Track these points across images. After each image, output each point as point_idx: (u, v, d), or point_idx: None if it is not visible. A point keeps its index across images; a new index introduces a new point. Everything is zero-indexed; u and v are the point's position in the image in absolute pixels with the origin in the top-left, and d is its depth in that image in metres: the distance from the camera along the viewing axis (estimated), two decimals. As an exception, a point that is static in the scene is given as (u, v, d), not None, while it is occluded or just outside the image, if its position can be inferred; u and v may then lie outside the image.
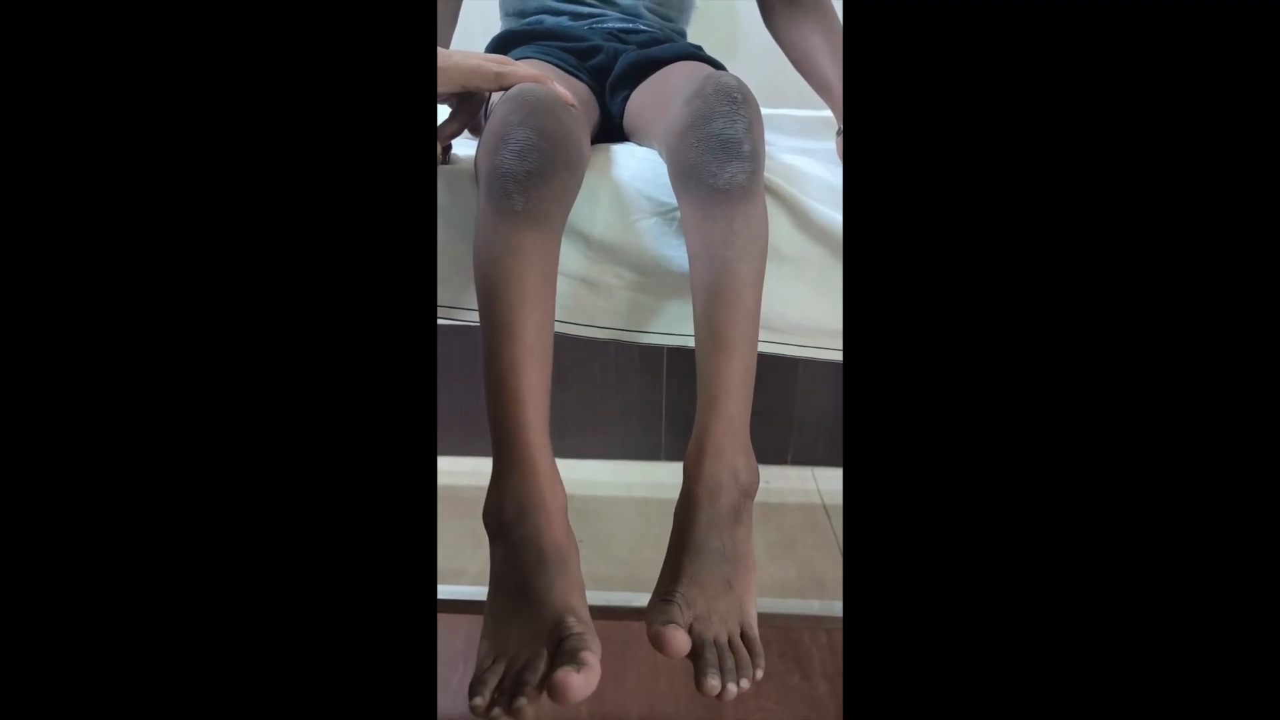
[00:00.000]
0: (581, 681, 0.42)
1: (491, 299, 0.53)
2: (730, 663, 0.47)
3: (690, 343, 0.68)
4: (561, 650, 0.45)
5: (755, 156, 0.55)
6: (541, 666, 0.45)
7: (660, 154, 0.63)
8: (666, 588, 0.50)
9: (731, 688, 0.46)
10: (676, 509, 0.54)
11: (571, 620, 0.47)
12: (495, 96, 0.60)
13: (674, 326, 0.68)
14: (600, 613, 0.90)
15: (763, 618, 0.92)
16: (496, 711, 0.43)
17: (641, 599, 0.94)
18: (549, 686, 0.43)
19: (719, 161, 0.54)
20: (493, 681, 0.45)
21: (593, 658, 0.44)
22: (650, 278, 0.66)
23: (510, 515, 0.51)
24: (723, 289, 0.54)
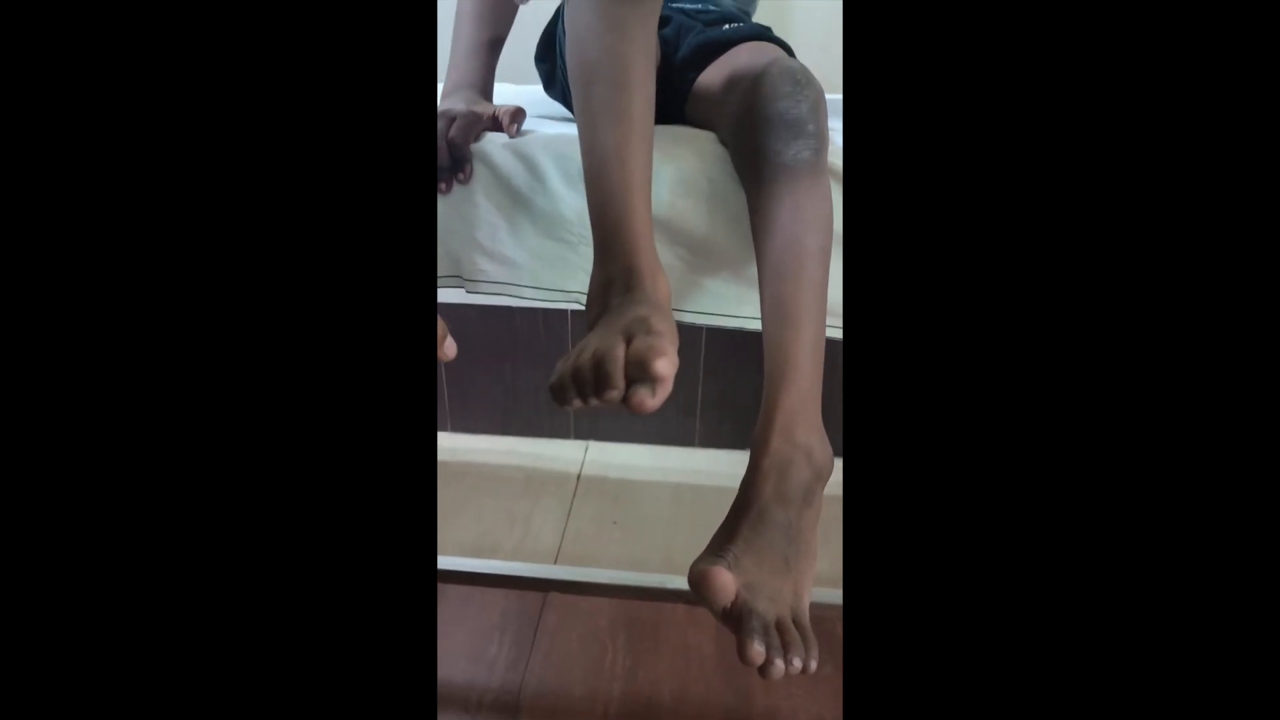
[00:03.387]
0: (655, 401, 0.40)
1: (594, 80, 0.51)
2: (776, 640, 0.44)
3: (731, 323, 0.68)
4: (634, 347, 0.42)
5: (820, 135, 0.55)
6: (620, 354, 0.42)
7: (723, 138, 0.63)
8: (718, 547, 0.47)
9: (779, 663, 0.42)
10: (742, 481, 0.52)
11: (654, 320, 0.44)
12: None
13: (721, 306, 0.68)
14: (634, 593, 0.91)
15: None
16: (592, 403, 0.42)
17: (675, 582, 0.94)
18: (625, 398, 0.41)
19: (784, 140, 0.54)
20: (570, 375, 0.43)
21: (666, 366, 0.41)
22: (704, 257, 0.66)
23: (611, 293, 0.49)
24: (790, 262, 0.54)
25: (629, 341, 0.43)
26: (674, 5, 0.77)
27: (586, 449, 1.23)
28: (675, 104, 0.72)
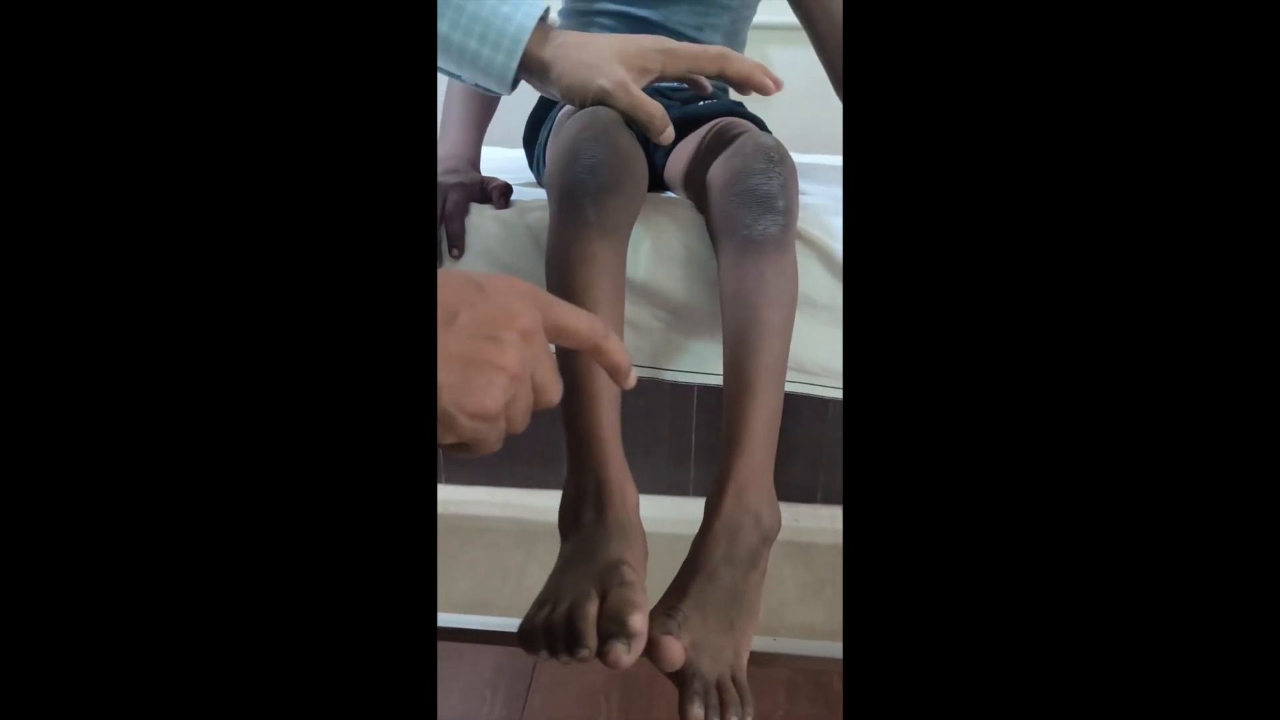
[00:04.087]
0: (630, 657, 0.43)
1: (566, 300, 0.55)
2: (715, 699, 0.47)
3: (717, 381, 0.70)
4: (610, 602, 0.45)
5: (789, 211, 0.57)
6: (592, 611, 0.45)
7: (698, 206, 0.65)
8: (670, 604, 0.51)
9: None
10: (694, 540, 0.55)
11: (625, 569, 0.47)
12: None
13: (703, 365, 0.69)
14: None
15: (791, 660, 0.91)
16: (564, 658, 0.44)
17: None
18: (601, 653, 0.43)
19: (754, 215, 0.57)
20: (541, 628, 0.45)
21: (641, 622, 0.44)
22: (683, 319, 0.68)
23: (584, 509, 0.53)
24: (751, 335, 0.56)
25: (603, 595, 0.46)
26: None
27: (581, 500, 1.22)
28: (653, 177, 0.74)
